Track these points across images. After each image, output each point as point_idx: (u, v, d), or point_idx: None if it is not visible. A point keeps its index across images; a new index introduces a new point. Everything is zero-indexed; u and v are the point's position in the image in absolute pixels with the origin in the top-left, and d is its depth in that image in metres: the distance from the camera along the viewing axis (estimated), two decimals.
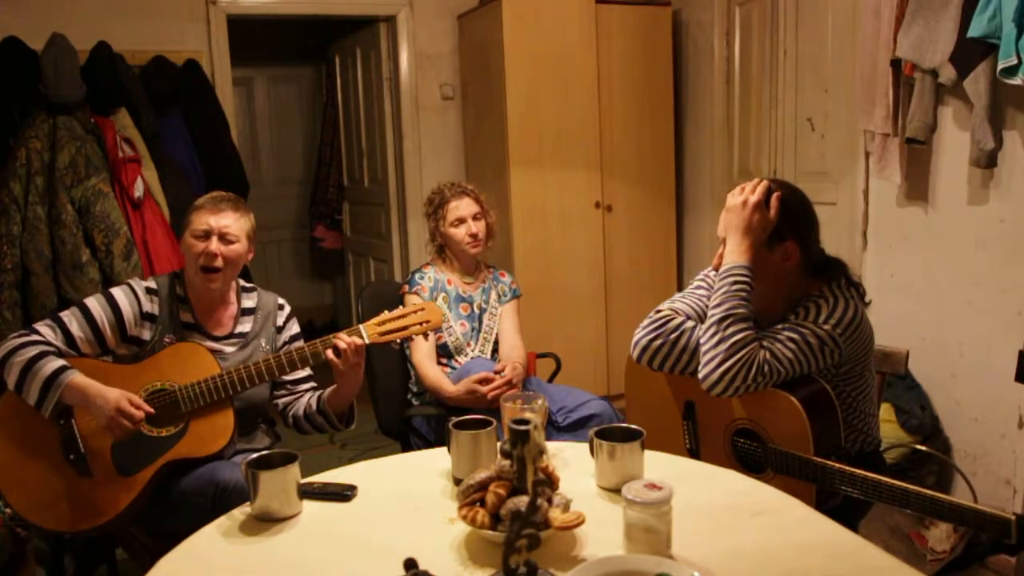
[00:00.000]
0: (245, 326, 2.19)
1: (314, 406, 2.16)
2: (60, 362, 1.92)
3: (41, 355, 1.91)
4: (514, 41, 4.07)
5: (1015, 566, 2.57)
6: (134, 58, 3.90)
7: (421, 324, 2.04)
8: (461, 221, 2.76)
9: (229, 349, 2.14)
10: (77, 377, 1.90)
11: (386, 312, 2.06)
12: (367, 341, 2.00)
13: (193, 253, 2.08)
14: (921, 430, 3.01)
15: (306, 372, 2.22)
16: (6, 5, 3.79)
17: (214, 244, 2.06)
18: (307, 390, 2.22)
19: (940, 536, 2.67)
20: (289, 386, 2.21)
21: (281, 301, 2.29)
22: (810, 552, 1.31)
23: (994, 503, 2.80)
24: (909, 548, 2.69)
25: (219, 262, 2.07)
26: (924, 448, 2.95)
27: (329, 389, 2.14)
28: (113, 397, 1.88)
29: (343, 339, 1.99)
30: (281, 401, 2.21)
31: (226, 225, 2.09)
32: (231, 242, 2.09)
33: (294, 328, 2.28)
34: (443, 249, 2.84)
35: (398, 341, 2.16)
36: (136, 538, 2.09)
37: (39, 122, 3.43)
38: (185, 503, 1.91)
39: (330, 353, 1.99)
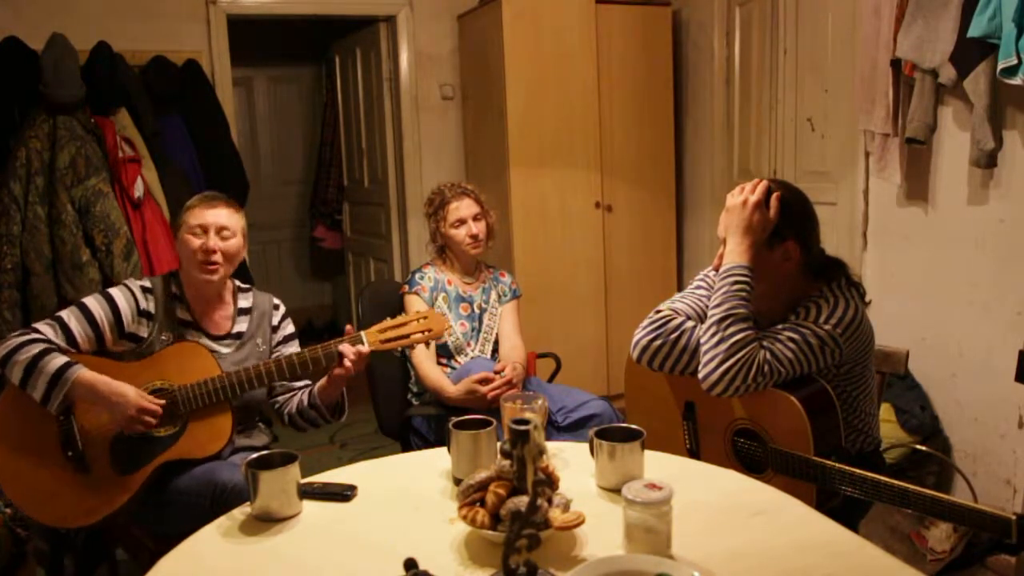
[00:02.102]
0: (241, 326, 2.20)
1: (306, 401, 2.18)
2: (65, 358, 1.93)
3: (45, 351, 1.92)
4: (514, 41, 4.07)
5: (1015, 566, 2.57)
6: (134, 58, 3.90)
7: (423, 333, 2.04)
8: (462, 222, 2.76)
9: (226, 349, 2.15)
10: (84, 372, 1.92)
11: (388, 319, 2.06)
12: (368, 349, 2.01)
13: (190, 249, 2.10)
14: (921, 430, 3.01)
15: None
16: (6, 5, 3.79)
17: (212, 239, 2.09)
18: (303, 387, 2.23)
19: (940, 536, 2.67)
20: (287, 386, 2.22)
21: (276, 301, 2.30)
22: (810, 552, 1.31)
23: (994, 503, 2.80)
24: (909, 548, 2.70)
25: (218, 256, 2.09)
26: (924, 448, 2.95)
27: (321, 381, 2.15)
28: (132, 396, 1.90)
29: (347, 349, 2.00)
30: (280, 399, 2.22)
31: (222, 221, 2.11)
32: (227, 237, 2.11)
33: (289, 328, 2.29)
34: (444, 249, 2.84)
35: (399, 350, 2.15)
36: (136, 538, 2.09)
37: (39, 122, 3.43)
38: (183, 504, 1.91)
39: (336, 369, 2.02)
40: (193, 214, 2.13)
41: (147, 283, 2.13)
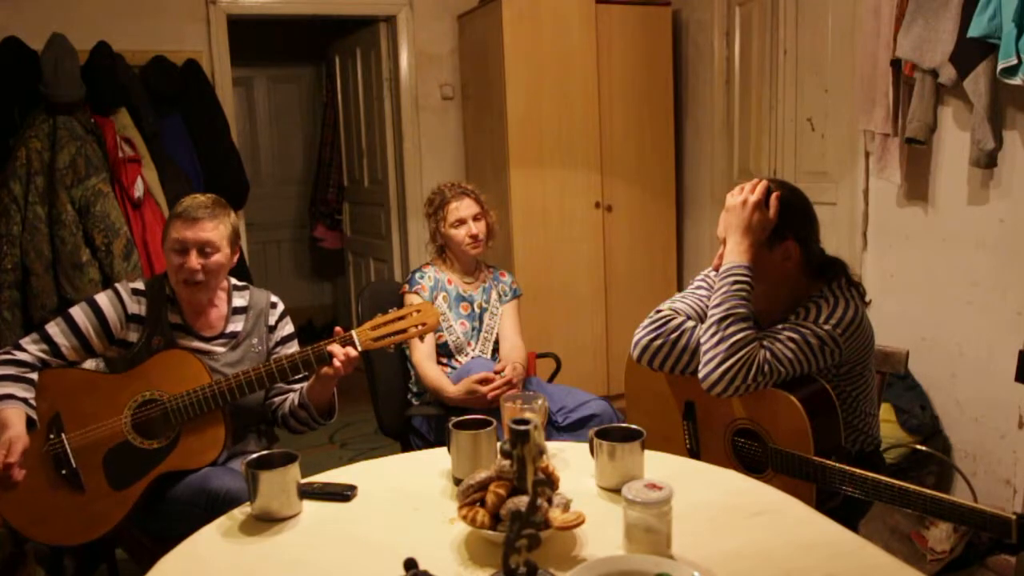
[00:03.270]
0: (236, 325, 2.16)
1: (296, 401, 2.13)
2: (10, 389, 1.91)
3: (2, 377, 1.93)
4: (514, 41, 4.07)
5: (1015, 566, 2.57)
6: (134, 58, 3.90)
7: (417, 327, 1.98)
8: (461, 222, 2.76)
9: (219, 349, 2.12)
10: (6, 413, 1.89)
11: (380, 315, 2.00)
12: (359, 350, 1.96)
13: (171, 265, 2.05)
14: (921, 430, 3.01)
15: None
16: (6, 5, 3.79)
17: (193, 259, 2.02)
18: (298, 388, 2.18)
19: (940, 536, 2.67)
20: (283, 387, 2.19)
21: (274, 299, 2.25)
22: (810, 552, 1.31)
23: (994, 503, 2.80)
24: (909, 548, 2.69)
25: (199, 276, 2.03)
26: (924, 448, 2.95)
27: (309, 382, 2.09)
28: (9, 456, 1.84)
29: (337, 350, 1.95)
30: (276, 399, 2.19)
31: (203, 238, 2.02)
32: (210, 254, 2.04)
33: (287, 328, 2.24)
34: (443, 249, 2.84)
35: (393, 347, 2.12)
36: (136, 538, 2.09)
37: (39, 122, 3.43)
38: (177, 512, 1.90)
39: (324, 369, 1.96)
40: (175, 228, 2.04)
41: (140, 285, 2.10)
